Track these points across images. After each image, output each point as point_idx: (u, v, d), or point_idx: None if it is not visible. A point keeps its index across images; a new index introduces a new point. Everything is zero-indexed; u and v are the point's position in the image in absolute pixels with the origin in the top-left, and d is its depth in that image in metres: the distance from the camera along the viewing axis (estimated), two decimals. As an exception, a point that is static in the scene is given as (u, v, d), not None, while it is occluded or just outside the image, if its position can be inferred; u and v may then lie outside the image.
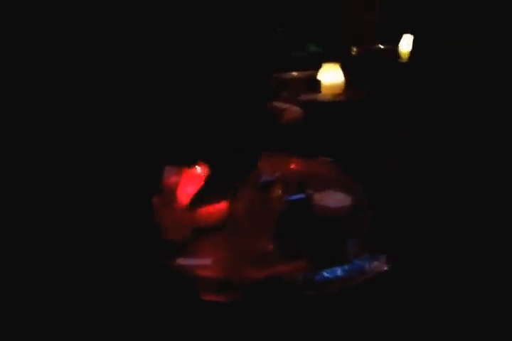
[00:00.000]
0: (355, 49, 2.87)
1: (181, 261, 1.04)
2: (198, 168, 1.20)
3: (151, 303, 0.99)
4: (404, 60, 2.74)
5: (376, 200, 1.22)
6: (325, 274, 0.95)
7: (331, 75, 2.21)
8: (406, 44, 2.81)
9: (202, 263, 1.03)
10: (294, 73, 2.41)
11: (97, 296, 0.95)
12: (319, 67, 2.28)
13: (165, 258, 1.03)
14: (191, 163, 1.19)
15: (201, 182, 1.17)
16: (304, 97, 2.12)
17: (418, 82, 2.06)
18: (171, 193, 1.14)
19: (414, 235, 1.10)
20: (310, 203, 1.12)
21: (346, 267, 0.97)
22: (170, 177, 1.20)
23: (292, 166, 1.46)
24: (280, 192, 1.21)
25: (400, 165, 1.47)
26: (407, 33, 2.82)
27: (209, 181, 1.16)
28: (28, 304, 0.82)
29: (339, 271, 0.95)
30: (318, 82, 2.19)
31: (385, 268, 0.97)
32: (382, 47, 2.96)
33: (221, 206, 1.15)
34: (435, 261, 1.11)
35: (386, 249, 1.03)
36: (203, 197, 1.14)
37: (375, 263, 0.98)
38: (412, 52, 2.50)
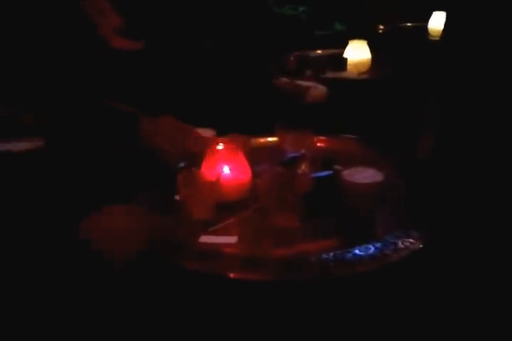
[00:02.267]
0: (381, 27, 2.78)
1: (206, 239, 1.00)
2: (221, 144, 1.16)
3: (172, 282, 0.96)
4: (434, 38, 2.65)
5: (407, 176, 1.17)
6: (357, 252, 0.90)
7: (357, 52, 2.15)
8: (436, 21, 2.71)
9: (227, 241, 1.00)
10: (319, 51, 2.35)
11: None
12: (344, 45, 2.22)
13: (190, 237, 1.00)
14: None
15: (227, 158, 1.13)
16: (329, 75, 2.06)
17: (450, 59, 1.96)
18: (194, 169, 1.11)
19: (448, 211, 1.05)
20: (338, 179, 1.07)
21: (379, 244, 0.92)
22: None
23: (318, 143, 1.41)
24: (306, 168, 1.17)
25: (430, 140, 1.40)
26: (437, 10, 2.73)
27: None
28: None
29: (372, 249, 0.91)
30: (345, 60, 2.13)
31: (420, 246, 0.92)
32: (410, 24, 2.86)
33: (245, 180, 1.12)
34: (470, 238, 1.05)
35: (419, 226, 0.98)
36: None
37: (409, 241, 0.93)
38: (444, 29, 2.41)
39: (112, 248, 0.87)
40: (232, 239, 1.00)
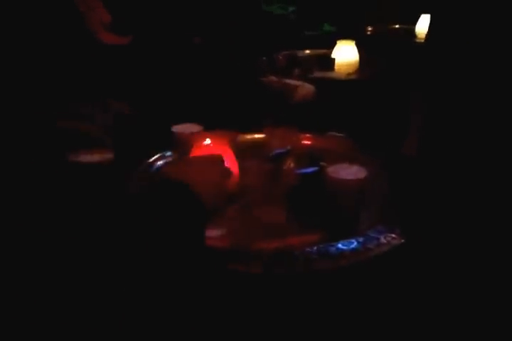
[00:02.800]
0: (370, 28, 2.81)
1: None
2: (208, 140, 1.17)
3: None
4: (421, 40, 2.69)
5: (391, 173, 1.19)
6: (339, 246, 0.92)
7: (345, 53, 2.18)
8: (423, 24, 2.76)
9: (215, 233, 1.01)
10: (307, 51, 2.38)
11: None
12: (333, 45, 2.25)
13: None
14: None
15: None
16: (317, 75, 2.09)
17: (434, 61, 1.99)
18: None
19: (431, 208, 1.07)
20: (323, 175, 1.09)
21: (361, 239, 0.94)
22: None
23: (305, 140, 1.43)
24: (292, 164, 1.19)
25: (415, 139, 1.43)
26: (424, 13, 2.77)
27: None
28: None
29: (354, 243, 0.93)
30: (332, 60, 2.15)
31: (401, 241, 0.94)
32: (398, 26, 2.90)
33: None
34: (452, 234, 1.08)
35: (401, 222, 1.00)
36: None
37: (391, 236, 0.95)
38: (428, 32, 2.45)
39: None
40: (220, 232, 1.01)
